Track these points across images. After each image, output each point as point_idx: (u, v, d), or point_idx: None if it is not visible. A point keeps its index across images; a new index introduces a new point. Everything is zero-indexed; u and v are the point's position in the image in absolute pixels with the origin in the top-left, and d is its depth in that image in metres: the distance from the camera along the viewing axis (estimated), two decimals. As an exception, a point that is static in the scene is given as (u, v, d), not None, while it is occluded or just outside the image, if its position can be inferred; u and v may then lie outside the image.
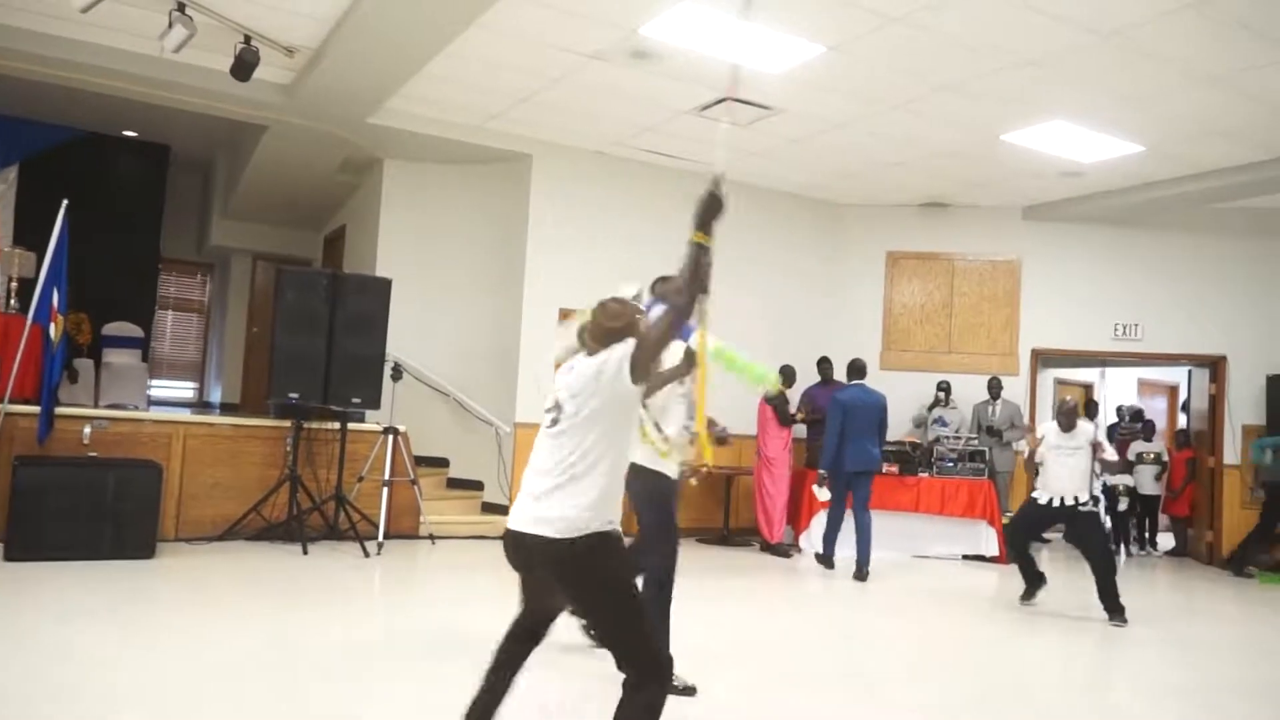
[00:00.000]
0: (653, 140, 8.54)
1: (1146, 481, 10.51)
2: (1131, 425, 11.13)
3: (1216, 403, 9.86)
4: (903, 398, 9.89)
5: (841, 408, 7.73)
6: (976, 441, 9.22)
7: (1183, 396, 12.37)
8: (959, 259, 10.26)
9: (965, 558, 8.78)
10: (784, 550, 8.54)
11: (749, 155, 8.82)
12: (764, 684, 4.31)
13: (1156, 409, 13.86)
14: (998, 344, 10.14)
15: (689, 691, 3.94)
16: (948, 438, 9.26)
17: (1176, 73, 6.42)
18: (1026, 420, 9.88)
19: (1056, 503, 6.58)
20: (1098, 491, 6.66)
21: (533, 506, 2.64)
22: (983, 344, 10.16)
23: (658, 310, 2.69)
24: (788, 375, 8.80)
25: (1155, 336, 9.88)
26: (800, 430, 9.18)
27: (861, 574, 7.42)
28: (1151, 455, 10.55)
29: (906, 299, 10.35)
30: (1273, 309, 9.69)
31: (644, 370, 2.60)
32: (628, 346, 2.62)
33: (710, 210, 2.62)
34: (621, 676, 2.59)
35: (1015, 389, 9.90)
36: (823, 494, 7.83)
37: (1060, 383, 12.78)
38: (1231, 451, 9.69)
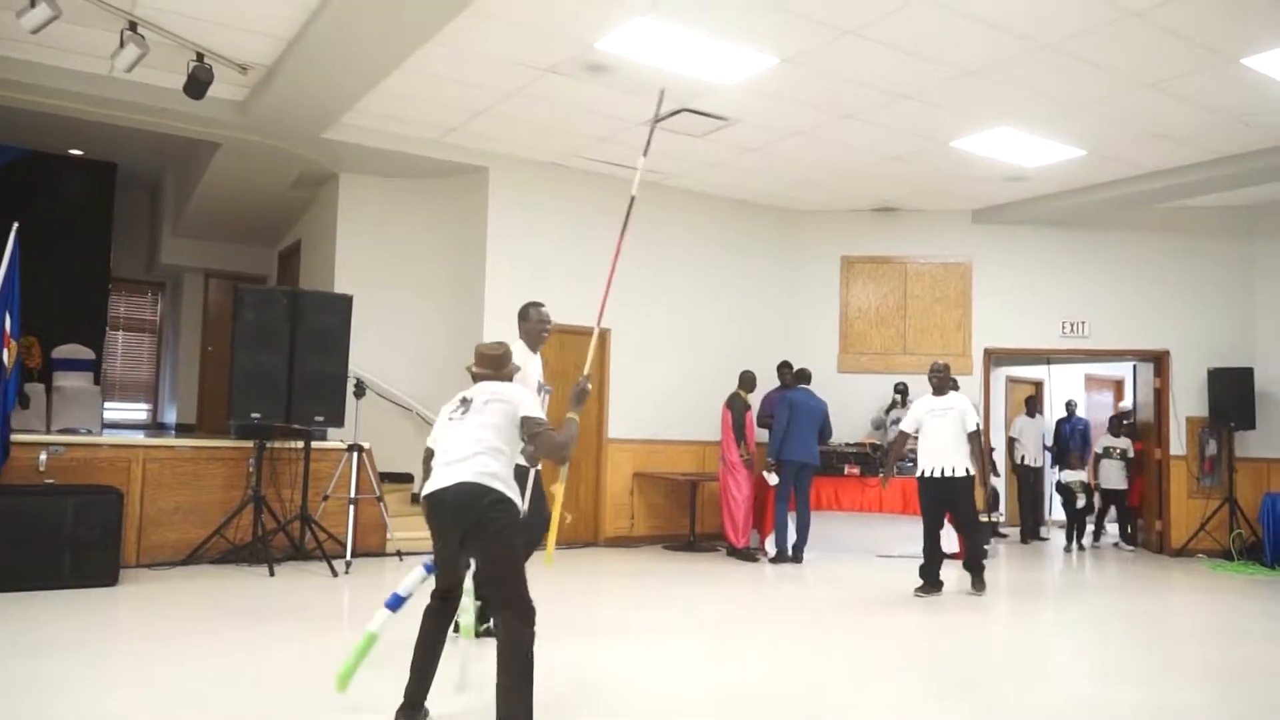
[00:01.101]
0: (608, 151, 8.59)
1: (1113, 476, 10.50)
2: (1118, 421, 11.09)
3: (1161, 396, 10.15)
4: (862, 400, 10.05)
5: (789, 404, 8.50)
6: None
7: (1128, 390, 12.68)
8: (911, 262, 10.45)
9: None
10: (750, 554, 8.62)
11: (706, 166, 8.92)
12: (734, 687, 4.37)
13: (1103, 403, 14.18)
14: (951, 344, 10.34)
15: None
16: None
17: (1115, 80, 6.63)
18: (980, 417, 10.11)
19: (937, 473, 6.87)
20: (968, 467, 6.94)
21: (454, 470, 3.30)
22: (937, 344, 10.35)
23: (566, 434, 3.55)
24: (748, 381, 8.90)
25: (1101, 333, 10.16)
26: (764, 434, 9.27)
27: (798, 557, 8.44)
28: (1118, 450, 10.56)
29: (862, 302, 10.52)
30: (1213, 304, 10.01)
31: (527, 442, 3.51)
32: (535, 418, 3.43)
33: (582, 399, 3.82)
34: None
35: (969, 388, 10.08)
36: (772, 479, 8.57)
37: (1012, 380, 13.04)
38: (1177, 443, 9.97)
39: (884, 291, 10.47)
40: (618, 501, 9.23)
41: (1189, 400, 9.95)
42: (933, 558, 7.03)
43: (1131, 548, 10.50)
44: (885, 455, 8.98)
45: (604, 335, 9.26)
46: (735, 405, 8.72)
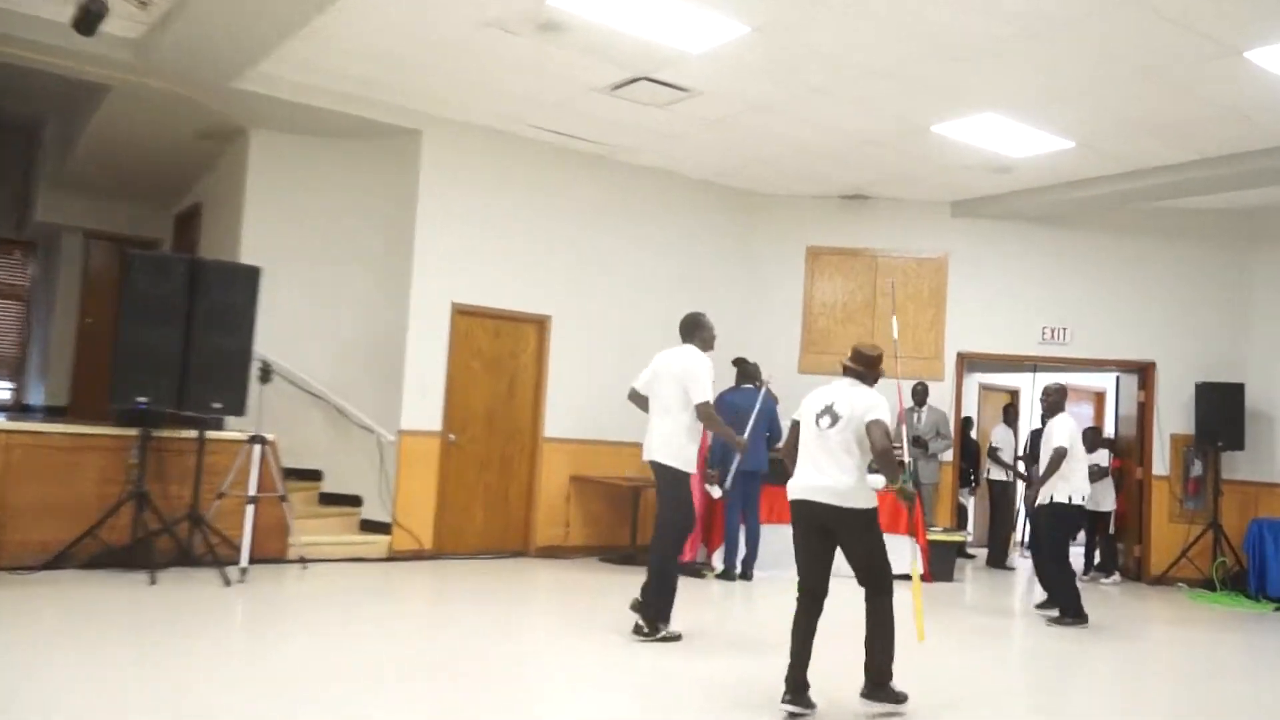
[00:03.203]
0: (560, 119, 8.56)
1: (1105, 496, 10.24)
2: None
3: (1145, 410, 10.41)
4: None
5: (732, 408, 8.29)
6: (900, 452, 9.49)
7: (1110, 403, 12.93)
8: (883, 255, 10.60)
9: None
10: (696, 570, 8.65)
11: (663, 138, 8.93)
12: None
13: (1082, 416, 14.52)
14: (923, 346, 10.49)
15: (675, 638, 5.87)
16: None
17: (1109, 68, 6.78)
18: (952, 429, 10.24)
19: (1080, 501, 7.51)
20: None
21: (817, 484, 4.55)
22: (907, 346, 10.44)
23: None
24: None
25: (1083, 340, 10.40)
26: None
27: (747, 574, 8.60)
28: (1095, 467, 9.95)
29: (827, 297, 10.64)
30: (1203, 313, 10.27)
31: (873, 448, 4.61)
32: (882, 422, 4.52)
33: (902, 492, 4.89)
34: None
35: (940, 394, 10.26)
36: (715, 491, 8.32)
37: (986, 388, 13.28)
38: (1160, 462, 10.24)
39: (852, 286, 10.60)
40: (551, 507, 9.24)
41: (1174, 416, 10.21)
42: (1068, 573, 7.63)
43: (1116, 577, 10.32)
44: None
45: (543, 323, 9.25)
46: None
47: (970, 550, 11.57)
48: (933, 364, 10.41)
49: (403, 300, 8.54)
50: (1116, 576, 10.25)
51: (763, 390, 8.17)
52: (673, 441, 5.88)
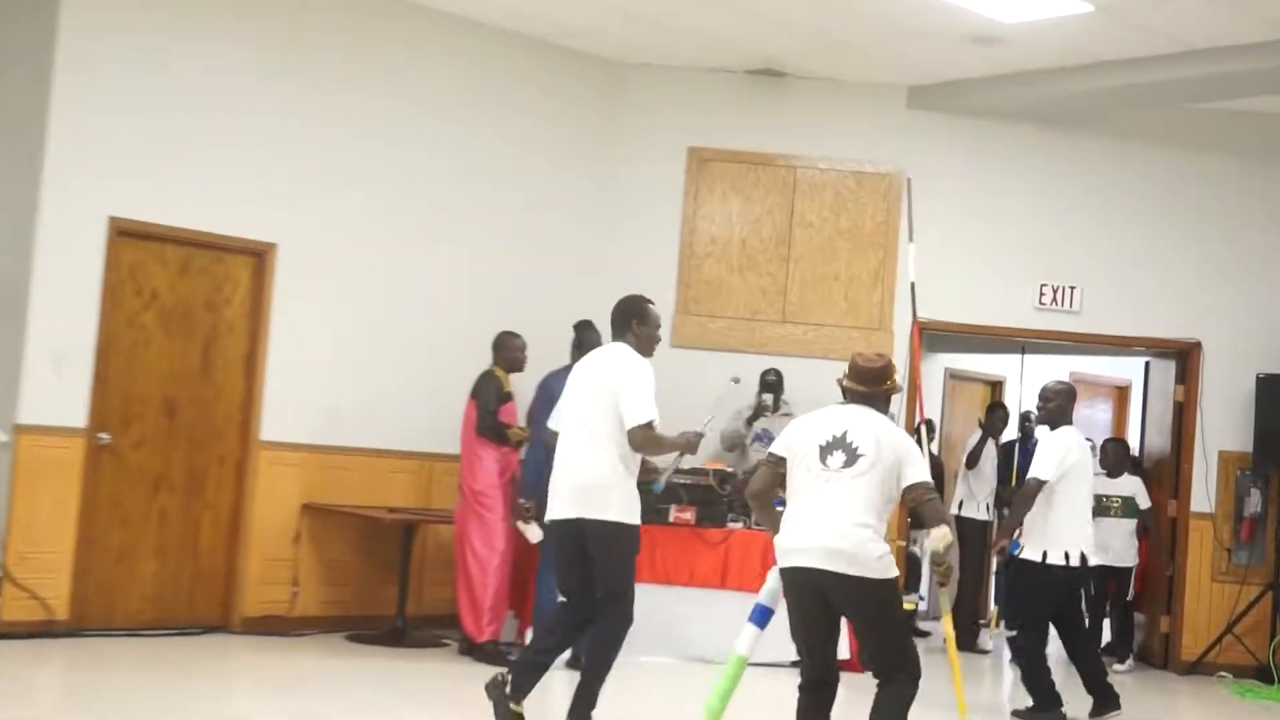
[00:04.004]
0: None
1: (1118, 543, 10.19)
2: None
3: (1184, 414, 10.68)
4: (707, 396, 10.12)
5: (550, 399, 7.95)
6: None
7: (1136, 403, 13.28)
8: (805, 166, 10.62)
9: (795, 664, 9.09)
10: (499, 653, 8.56)
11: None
12: None
13: (1097, 420, 14.90)
14: (861, 311, 10.54)
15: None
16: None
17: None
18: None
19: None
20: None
21: (824, 550, 4.88)
22: (838, 310, 10.53)
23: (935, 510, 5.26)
24: (510, 352, 8.81)
25: (1098, 307, 10.61)
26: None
27: (578, 661, 8.00)
28: (1117, 501, 10.20)
29: (718, 229, 10.62)
30: (1273, 272, 10.53)
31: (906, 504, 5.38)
32: (922, 484, 5.07)
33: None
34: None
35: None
36: (532, 533, 8.40)
37: (956, 377, 13.47)
38: (1203, 493, 10.49)
39: (757, 211, 10.59)
40: (271, 554, 9.05)
41: (1225, 423, 10.48)
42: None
43: (1130, 662, 10.58)
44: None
45: (262, 256, 9.00)
46: (485, 394, 8.64)
47: (923, 625, 11.74)
48: (876, 337, 10.42)
49: (27, 213, 8.23)
50: (1131, 662, 10.52)
51: None
52: (612, 485, 6.00)
